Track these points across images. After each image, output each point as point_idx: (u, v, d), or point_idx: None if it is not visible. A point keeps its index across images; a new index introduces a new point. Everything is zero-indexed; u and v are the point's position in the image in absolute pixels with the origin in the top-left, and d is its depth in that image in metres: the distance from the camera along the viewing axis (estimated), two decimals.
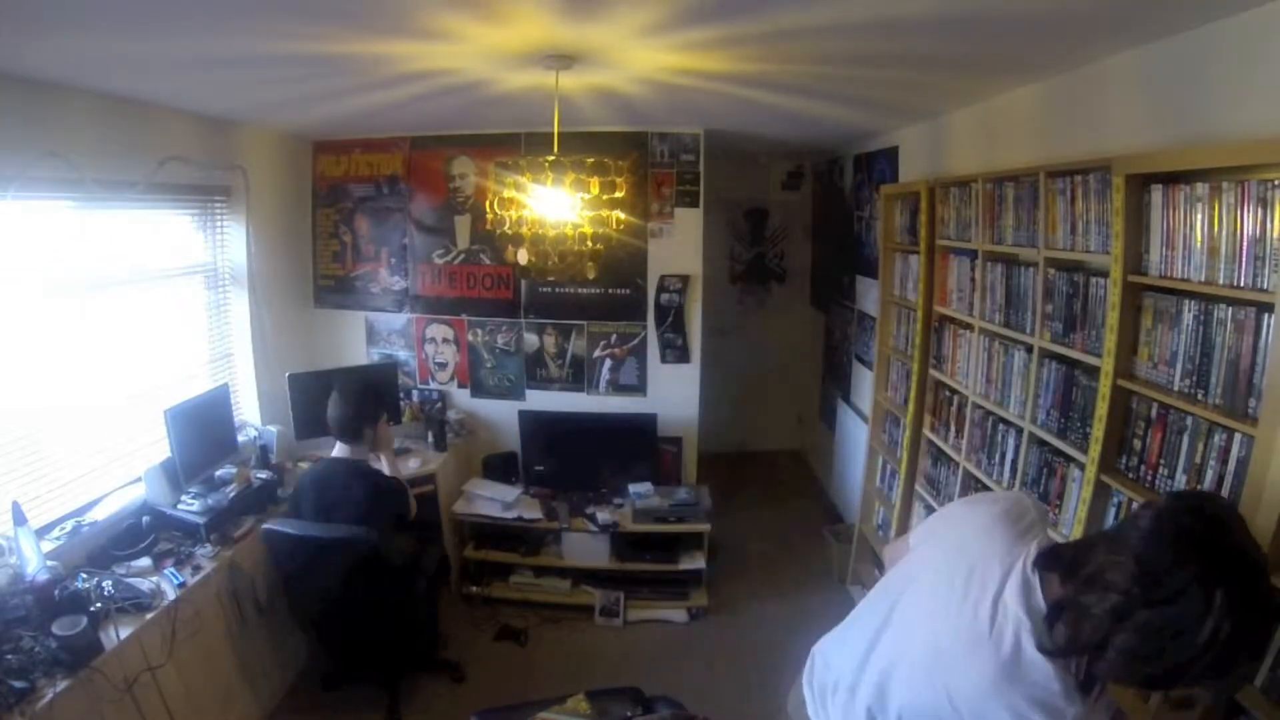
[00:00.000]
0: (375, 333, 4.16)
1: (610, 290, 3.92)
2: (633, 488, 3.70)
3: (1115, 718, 1.11)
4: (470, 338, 4.08)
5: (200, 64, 2.16)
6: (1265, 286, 1.44)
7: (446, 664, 3.07)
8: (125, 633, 2.06)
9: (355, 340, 4.16)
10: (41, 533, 2.28)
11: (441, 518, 3.60)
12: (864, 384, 3.98)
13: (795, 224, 5.55)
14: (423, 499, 3.50)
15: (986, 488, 2.53)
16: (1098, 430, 1.89)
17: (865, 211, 4.12)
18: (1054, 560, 1.10)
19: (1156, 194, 1.72)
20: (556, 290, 3.92)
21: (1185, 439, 1.66)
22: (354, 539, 2.47)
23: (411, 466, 3.55)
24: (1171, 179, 1.68)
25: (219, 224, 3.35)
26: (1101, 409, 1.87)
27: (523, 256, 2.35)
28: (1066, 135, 2.20)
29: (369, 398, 2.80)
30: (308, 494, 2.70)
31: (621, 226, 2.54)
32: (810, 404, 5.50)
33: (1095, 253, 1.97)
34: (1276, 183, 1.40)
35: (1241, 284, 1.50)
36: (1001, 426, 2.46)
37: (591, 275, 2.48)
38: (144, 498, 2.68)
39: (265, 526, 2.58)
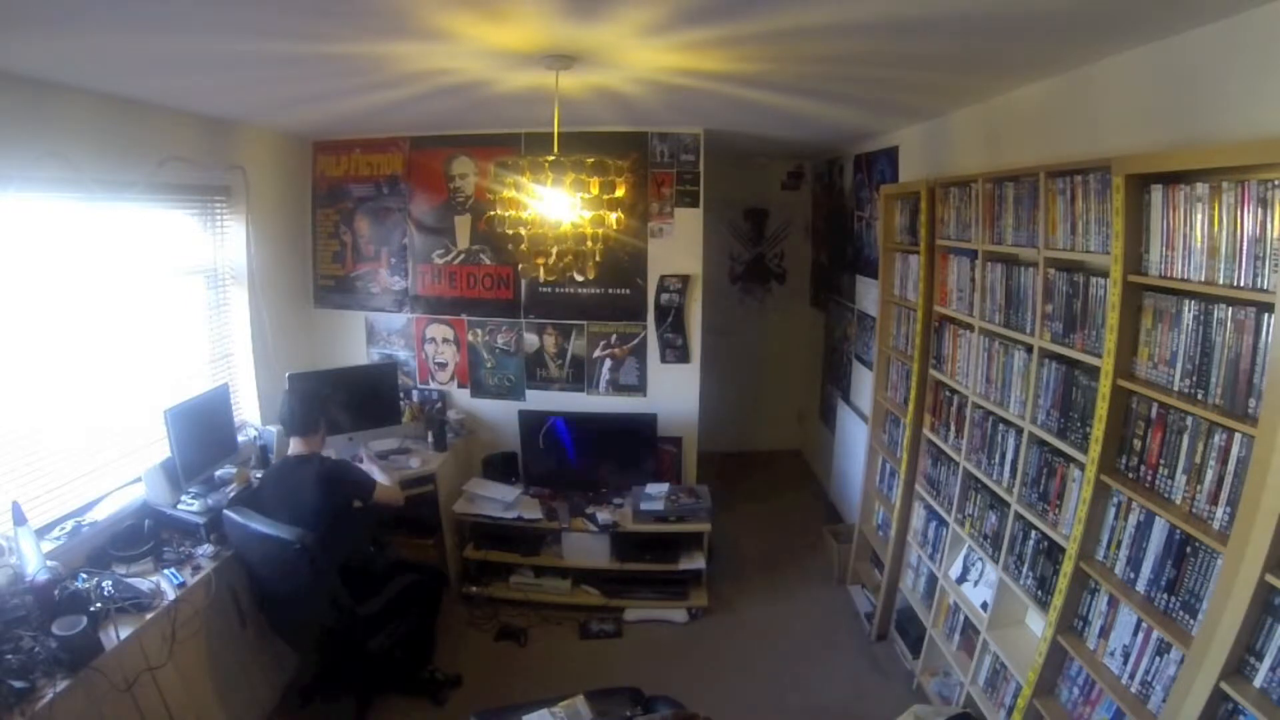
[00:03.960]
0: (375, 333, 4.16)
1: (610, 290, 3.92)
2: (650, 488, 3.70)
3: None
4: (470, 338, 4.08)
5: (200, 64, 2.16)
6: (1265, 286, 1.44)
7: (430, 684, 2.94)
8: (125, 633, 2.06)
9: (355, 340, 4.16)
10: (41, 533, 2.28)
11: (441, 517, 3.61)
12: (864, 384, 3.98)
13: (795, 224, 5.55)
14: (422, 499, 3.52)
15: (987, 488, 2.53)
16: (1098, 430, 1.89)
17: (865, 211, 4.12)
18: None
19: (1156, 194, 1.72)
20: (556, 290, 3.92)
21: (1185, 439, 1.66)
22: (282, 538, 2.40)
23: (412, 466, 3.56)
24: (1171, 179, 1.68)
25: (219, 224, 3.35)
26: (1101, 409, 1.87)
27: (536, 270, 2.37)
28: (1066, 135, 2.21)
29: (310, 396, 2.91)
30: (269, 492, 2.72)
31: (621, 226, 2.54)
32: (810, 404, 5.49)
33: (1095, 253, 1.97)
34: (1276, 183, 1.41)
35: (1241, 284, 1.50)
36: (1001, 426, 2.46)
37: (592, 275, 2.47)
38: (144, 498, 2.68)
39: (225, 512, 2.56)
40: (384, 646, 2.71)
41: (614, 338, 3.98)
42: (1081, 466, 1.99)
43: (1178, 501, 1.68)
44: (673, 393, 3.97)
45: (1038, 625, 2.26)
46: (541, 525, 3.61)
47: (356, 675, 2.81)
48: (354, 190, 4.02)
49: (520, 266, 2.44)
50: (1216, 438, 1.57)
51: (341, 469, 2.78)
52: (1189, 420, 1.65)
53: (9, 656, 1.85)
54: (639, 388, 4.01)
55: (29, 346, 2.37)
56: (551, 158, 2.28)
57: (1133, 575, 1.81)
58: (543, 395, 4.06)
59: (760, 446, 5.79)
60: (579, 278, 2.47)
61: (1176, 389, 1.69)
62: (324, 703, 2.84)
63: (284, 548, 2.39)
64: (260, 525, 2.46)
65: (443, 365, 4.15)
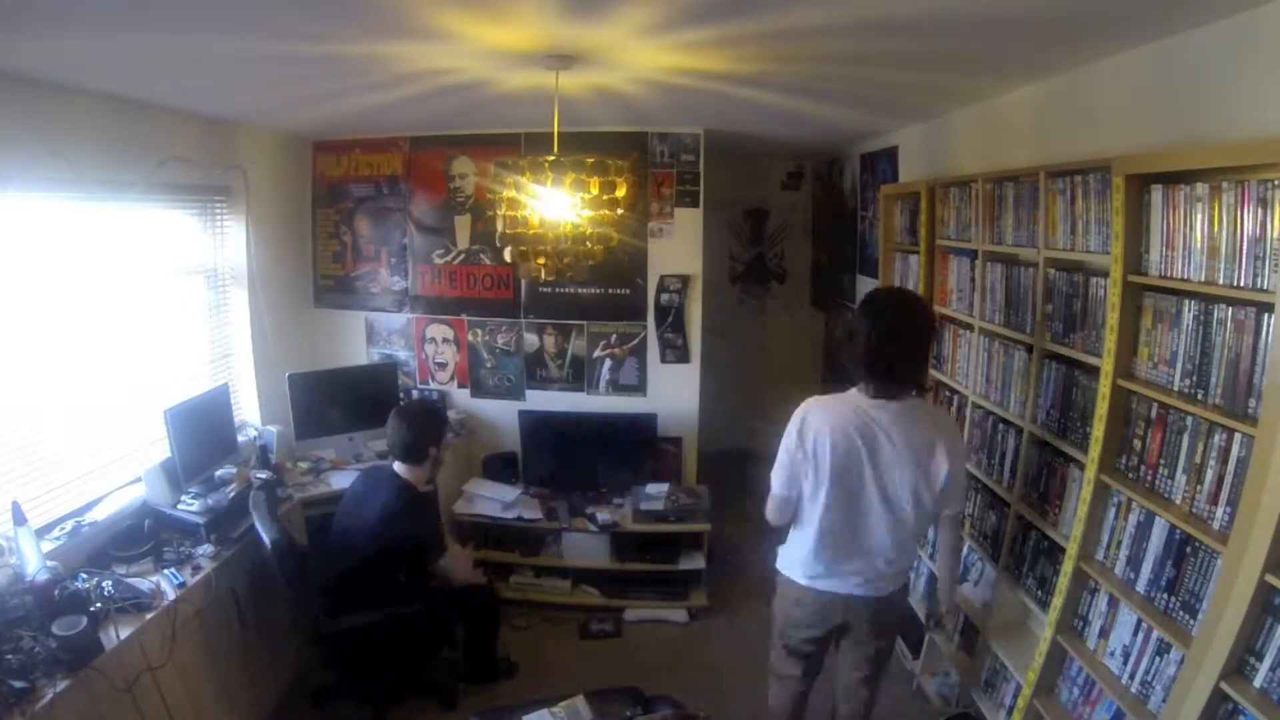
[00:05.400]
0: (375, 333, 4.16)
1: (610, 290, 3.92)
2: (650, 488, 3.71)
3: None
4: (470, 338, 4.08)
5: (200, 64, 2.16)
6: (1265, 286, 1.44)
7: (439, 688, 2.91)
8: (125, 633, 2.06)
9: (355, 340, 4.16)
10: (41, 533, 2.28)
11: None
12: None
13: (795, 224, 5.55)
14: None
15: (987, 488, 2.53)
16: (1098, 430, 1.89)
17: (870, 211, 4.12)
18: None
19: (1156, 194, 1.72)
20: (556, 290, 3.92)
21: (1185, 439, 1.66)
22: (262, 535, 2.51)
23: None
24: (1171, 179, 1.68)
25: (219, 224, 3.35)
26: (1101, 409, 1.87)
27: (536, 270, 2.37)
28: (1066, 135, 2.20)
29: (434, 417, 2.80)
30: (352, 489, 2.80)
31: (621, 226, 2.54)
32: None
33: (1095, 253, 1.97)
34: (1276, 183, 1.41)
35: (1241, 284, 1.50)
36: (1001, 426, 2.46)
37: (581, 277, 2.48)
38: (144, 498, 2.68)
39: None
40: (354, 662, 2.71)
41: (614, 338, 3.98)
42: (1081, 466, 1.99)
43: (1178, 501, 1.68)
44: (673, 393, 3.97)
45: (1038, 625, 2.26)
46: (541, 525, 3.60)
47: (374, 682, 2.79)
48: (354, 190, 4.02)
49: (521, 267, 2.44)
50: (1216, 438, 1.57)
51: (415, 517, 2.66)
52: (1189, 420, 1.65)
53: (9, 656, 1.84)
54: (639, 388, 4.00)
55: (29, 347, 2.37)
56: (551, 158, 2.28)
57: (1133, 575, 1.81)
58: (543, 395, 4.05)
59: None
60: (551, 276, 2.47)
61: (1176, 389, 1.69)
62: (340, 705, 2.83)
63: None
64: (256, 520, 2.55)
65: (443, 365, 4.14)
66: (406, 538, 2.61)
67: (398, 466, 2.70)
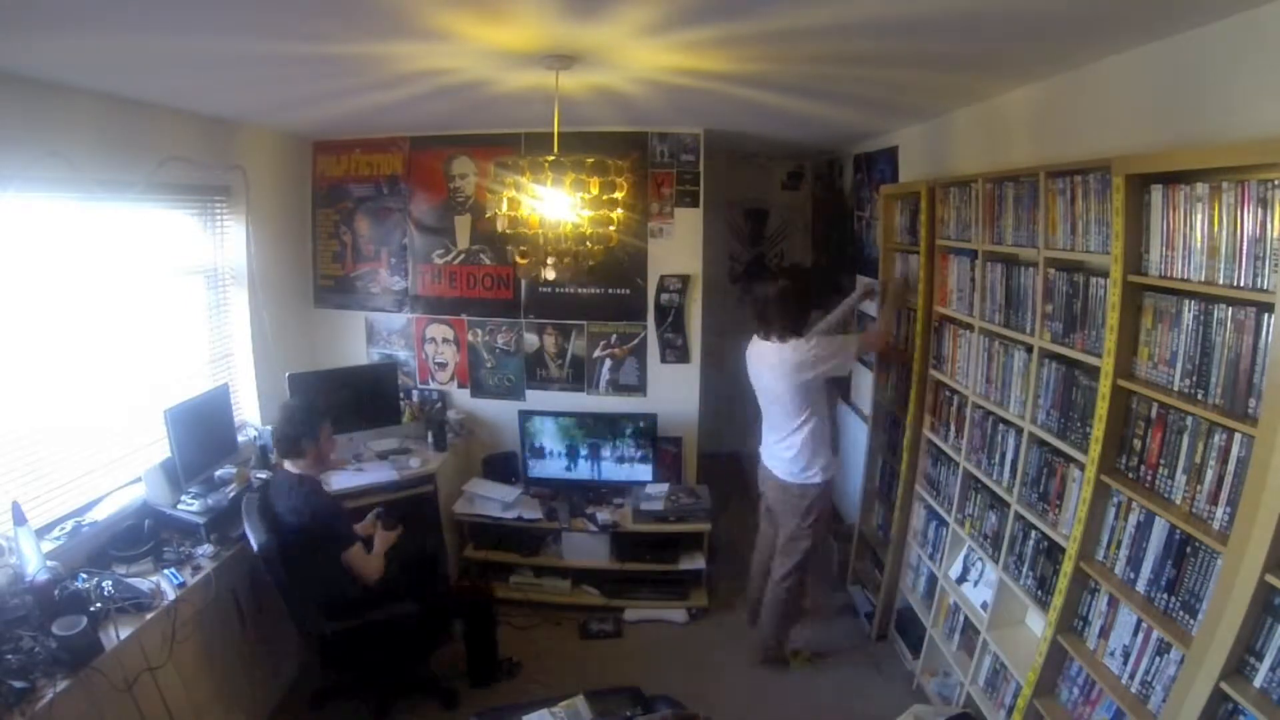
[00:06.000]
0: (375, 333, 4.16)
1: (610, 290, 3.92)
2: (650, 488, 3.71)
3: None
4: (470, 338, 4.08)
5: (201, 64, 2.16)
6: (1265, 286, 1.44)
7: (439, 688, 2.92)
8: (125, 633, 2.06)
9: (355, 340, 4.16)
10: (41, 533, 2.28)
11: (441, 517, 3.60)
12: (864, 384, 3.98)
13: (795, 224, 5.55)
14: (423, 499, 3.51)
15: (986, 488, 2.53)
16: (1098, 430, 1.89)
17: (866, 212, 4.12)
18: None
19: (1156, 194, 1.72)
20: (556, 290, 3.92)
21: (1185, 439, 1.66)
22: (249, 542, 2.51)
23: (412, 466, 3.55)
24: (1171, 179, 1.68)
25: (219, 224, 3.35)
26: (1101, 409, 1.87)
27: (550, 274, 2.39)
28: (1066, 135, 2.20)
29: (304, 411, 2.70)
30: (267, 505, 2.67)
31: (621, 227, 2.54)
32: None
33: (1095, 253, 1.97)
34: (1276, 183, 1.41)
35: (1241, 284, 1.50)
36: (1001, 426, 2.46)
37: (555, 275, 2.48)
38: (144, 498, 2.68)
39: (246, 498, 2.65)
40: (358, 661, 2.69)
41: (614, 338, 3.98)
42: (1081, 466, 1.99)
43: (1178, 501, 1.68)
44: (673, 393, 3.97)
45: (1038, 625, 2.26)
46: (541, 525, 3.61)
47: (373, 682, 2.79)
48: (354, 190, 4.02)
49: (523, 265, 2.44)
50: (1216, 438, 1.57)
51: (319, 511, 2.63)
52: (1189, 420, 1.65)
53: (9, 656, 1.85)
54: (639, 388, 4.00)
55: (29, 347, 2.37)
56: (551, 158, 2.28)
57: (1133, 575, 1.81)
58: (543, 395, 4.05)
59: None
60: (551, 276, 2.46)
61: (1176, 389, 1.69)
62: (339, 705, 2.83)
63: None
64: (247, 525, 2.53)
65: (443, 365, 4.15)
66: (318, 521, 2.58)
67: (287, 464, 2.67)
